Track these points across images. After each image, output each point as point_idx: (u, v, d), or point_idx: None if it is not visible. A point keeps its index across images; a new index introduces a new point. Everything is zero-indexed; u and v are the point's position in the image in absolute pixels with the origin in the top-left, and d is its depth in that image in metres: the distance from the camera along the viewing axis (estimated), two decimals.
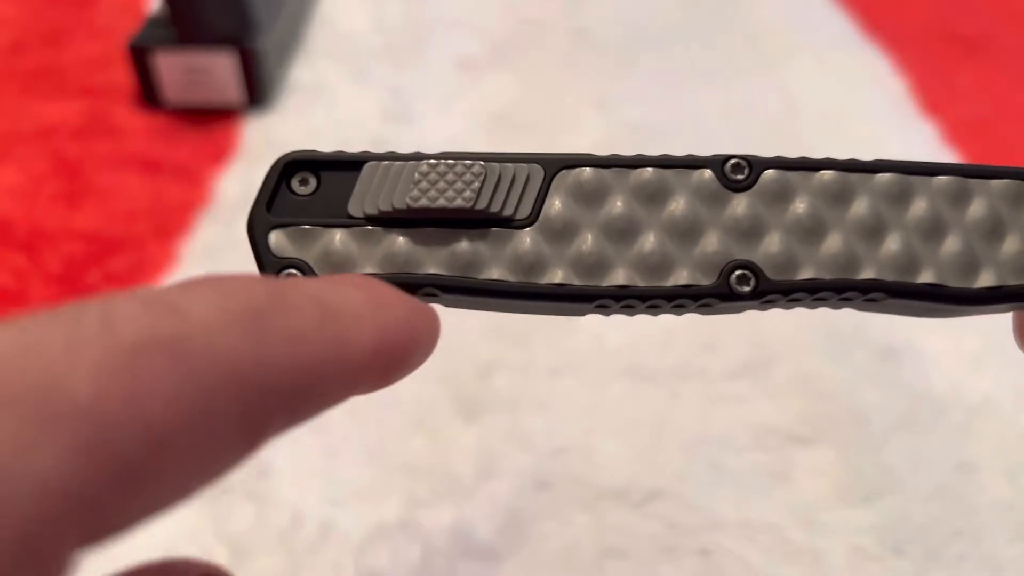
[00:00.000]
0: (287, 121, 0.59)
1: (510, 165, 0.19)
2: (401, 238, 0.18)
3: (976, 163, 0.20)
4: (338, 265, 0.18)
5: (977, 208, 0.20)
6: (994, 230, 0.20)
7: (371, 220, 0.18)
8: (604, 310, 0.19)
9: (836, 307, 0.20)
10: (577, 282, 0.19)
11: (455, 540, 0.35)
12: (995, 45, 0.69)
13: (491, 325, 0.44)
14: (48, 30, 0.68)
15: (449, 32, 0.69)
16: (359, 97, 0.62)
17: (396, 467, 0.38)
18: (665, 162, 0.19)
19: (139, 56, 0.58)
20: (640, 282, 0.19)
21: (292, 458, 0.38)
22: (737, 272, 0.19)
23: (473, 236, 0.19)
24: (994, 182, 0.20)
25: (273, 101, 0.60)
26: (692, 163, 0.19)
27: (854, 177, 0.19)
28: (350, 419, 0.40)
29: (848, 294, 0.19)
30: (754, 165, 0.19)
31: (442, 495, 0.37)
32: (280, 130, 0.58)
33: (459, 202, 0.18)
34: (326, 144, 0.63)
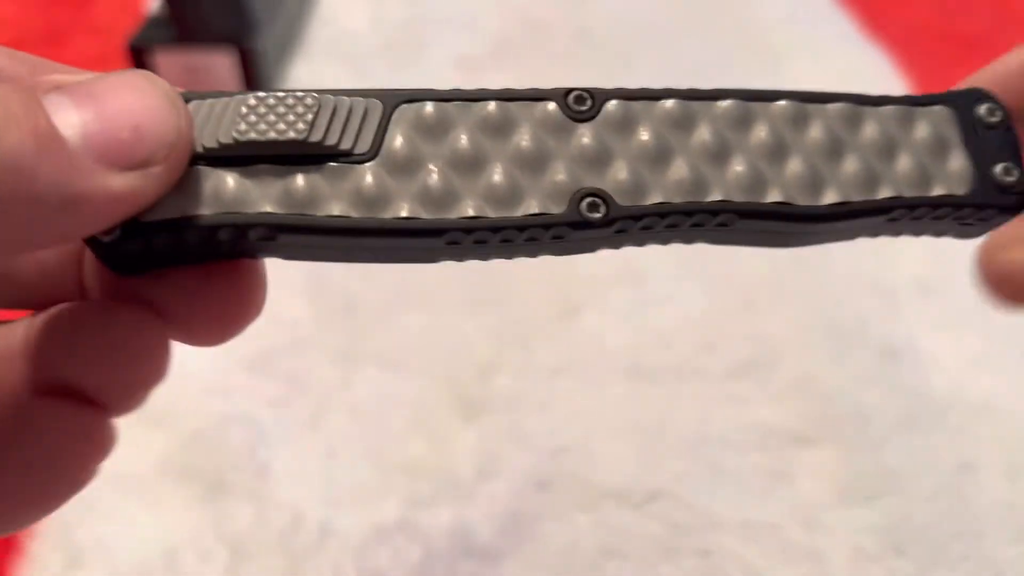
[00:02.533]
0: None
1: (346, 98, 0.18)
2: (230, 176, 0.17)
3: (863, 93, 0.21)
4: (163, 208, 0.16)
5: (816, 131, 0.20)
6: (833, 151, 0.20)
7: (196, 159, 0.17)
8: (455, 248, 0.18)
9: (689, 240, 0.20)
10: (425, 215, 0.18)
11: (455, 540, 0.35)
12: (995, 45, 0.69)
13: (491, 325, 0.44)
14: (48, 30, 0.68)
15: (449, 32, 0.69)
16: None
17: (396, 467, 0.38)
18: (508, 95, 0.19)
19: (138, 56, 0.58)
20: (491, 213, 0.18)
21: (292, 458, 0.38)
22: (587, 199, 0.18)
23: (309, 171, 0.17)
24: (829, 105, 0.20)
25: None
26: (535, 95, 0.19)
27: (696, 105, 0.20)
28: (350, 419, 0.40)
29: (698, 218, 0.19)
30: (596, 96, 0.19)
31: (442, 495, 0.37)
32: None
33: (291, 134, 0.17)
34: None
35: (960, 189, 0.20)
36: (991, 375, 0.42)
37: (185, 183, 0.17)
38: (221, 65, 0.58)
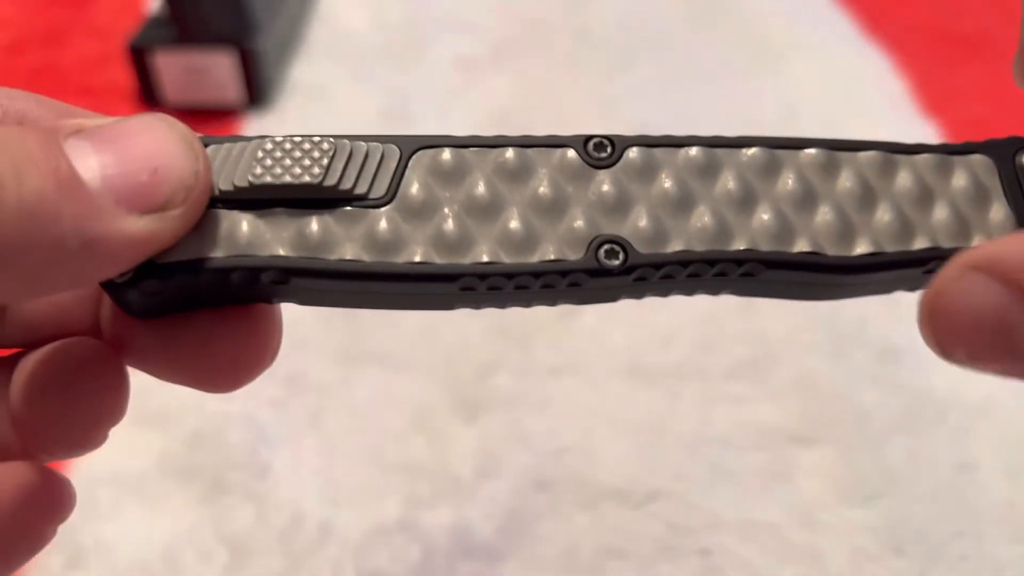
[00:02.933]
0: (287, 121, 0.59)
1: (363, 144, 0.18)
2: (245, 220, 0.17)
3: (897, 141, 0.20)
4: (177, 251, 0.17)
5: (846, 179, 0.19)
6: (865, 200, 0.19)
7: (214, 202, 0.17)
8: (470, 294, 0.18)
9: (715, 291, 0.19)
10: (438, 260, 0.17)
11: (455, 540, 0.35)
12: (995, 45, 0.69)
13: (491, 325, 0.44)
14: (48, 30, 0.68)
15: (449, 32, 0.69)
16: (359, 97, 0.61)
17: (396, 467, 0.38)
18: (527, 142, 0.19)
19: (139, 56, 0.58)
20: (506, 259, 0.18)
21: (292, 458, 0.38)
22: (605, 246, 0.18)
23: (324, 215, 0.17)
24: (860, 154, 0.20)
25: (273, 101, 0.60)
26: (554, 143, 0.19)
27: (720, 152, 0.19)
28: (350, 419, 0.40)
29: (722, 267, 0.18)
30: (616, 143, 0.19)
31: (442, 495, 0.37)
32: (280, 130, 0.58)
33: (306, 178, 0.17)
34: None
35: None
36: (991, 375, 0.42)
37: (200, 225, 0.17)
38: (221, 65, 0.58)
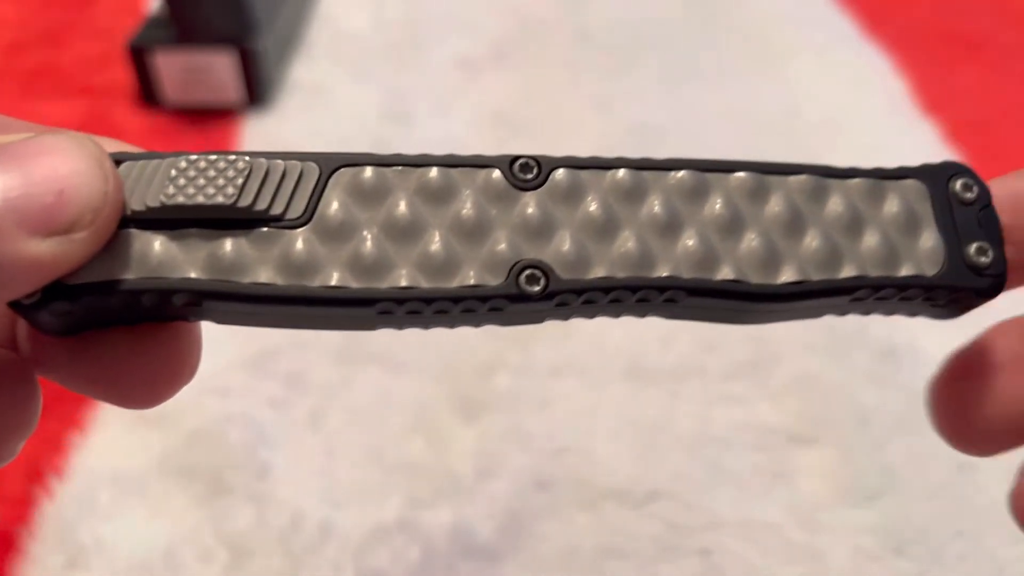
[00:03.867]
0: (287, 121, 0.59)
1: (280, 162, 0.17)
2: (157, 240, 0.17)
3: (830, 165, 0.20)
4: (87, 271, 0.16)
5: (775, 204, 0.19)
6: (793, 226, 0.19)
7: (126, 222, 0.17)
8: (390, 317, 0.18)
9: (639, 314, 0.19)
10: (355, 284, 0.17)
11: (455, 540, 0.35)
12: (995, 45, 0.69)
13: (491, 325, 0.44)
14: (48, 30, 0.68)
15: (449, 32, 0.69)
16: (359, 97, 0.61)
17: (396, 467, 0.38)
18: (451, 161, 0.18)
19: (139, 56, 0.58)
20: (424, 283, 0.17)
21: (292, 458, 0.38)
22: (527, 272, 0.18)
23: (238, 236, 0.17)
24: (792, 178, 0.19)
25: (273, 101, 0.60)
26: (479, 163, 0.18)
27: (648, 175, 0.19)
28: (350, 419, 0.40)
29: (645, 293, 0.18)
30: (543, 164, 0.19)
31: (442, 495, 0.37)
32: (280, 130, 0.58)
33: (219, 199, 0.17)
34: (326, 144, 0.63)
35: (930, 270, 0.19)
36: None
37: (112, 246, 0.16)
38: (221, 65, 0.58)
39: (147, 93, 0.59)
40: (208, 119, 0.59)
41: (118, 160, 0.17)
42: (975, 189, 0.20)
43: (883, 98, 0.62)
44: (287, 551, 0.35)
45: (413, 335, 0.44)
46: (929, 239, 0.19)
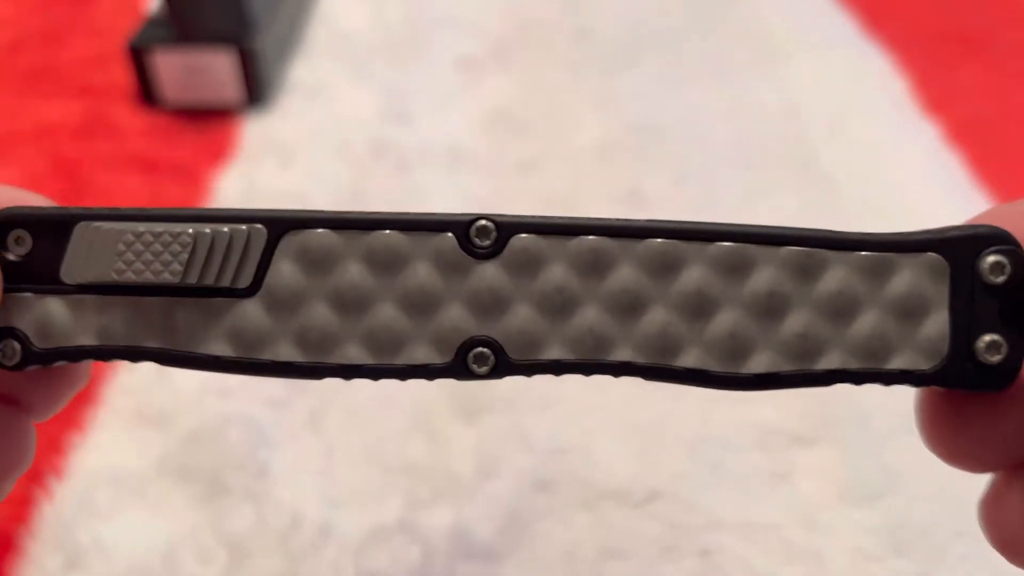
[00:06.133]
0: (286, 120, 0.59)
1: (226, 229, 0.17)
2: (116, 306, 0.18)
3: (827, 230, 0.18)
4: (55, 336, 0.18)
5: (757, 280, 0.17)
6: (772, 308, 0.17)
7: (83, 289, 0.18)
8: (340, 379, 0.18)
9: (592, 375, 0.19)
10: (302, 359, 0.18)
11: (455, 540, 0.35)
12: (995, 45, 0.69)
13: None
14: (47, 30, 0.68)
15: (449, 32, 0.69)
16: (359, 97, 0.61)
17: (395, 468, 0.38)
18: (404, 224, 0.17)
19: (138, 55, 0.58)
20: (370, 360, 0.17)
21: (291, 459, 0.38)
22: (476, 350, 0.17)
23: (189, 308, 0.18)
24: (782, 249, 0.17)
25: (272, 100, 0.60)
26: (434, 225, 0.17)
27: (614, 244, 0.17)
28: (349, 420, 0.40)
29: (599, 372, 0.18)
30: (502, 229, 0.17)
31: (442, 496, 0.37)
32: (279, 129, 0.58)
33: (166, 276, 0.17)
34: (326, 144, 0.63)
35: (925, 363, 0.17)
36: None
37: (78, 313, 0.18)
38: (220, 65, 0.58)
39: (146, 93, 0.59)
40: (207, 119, 0.59)
41: (75, 220, 0.18)
42: (1008, 270, 0.17)
43: (884, 97, 0.62)
44: (287, 552, 0.35)
45: None
46: (934, 325, 0.17)
